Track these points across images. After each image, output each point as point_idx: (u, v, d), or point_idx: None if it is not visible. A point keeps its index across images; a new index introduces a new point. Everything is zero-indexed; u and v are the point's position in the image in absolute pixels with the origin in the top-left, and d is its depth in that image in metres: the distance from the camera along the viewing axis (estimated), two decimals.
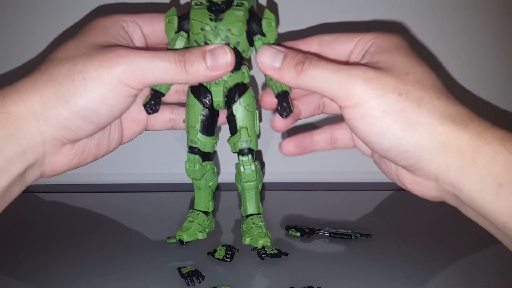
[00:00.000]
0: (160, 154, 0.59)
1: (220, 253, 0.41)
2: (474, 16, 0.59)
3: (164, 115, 0.37)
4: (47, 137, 0.28)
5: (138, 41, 0.33)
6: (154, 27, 0.32)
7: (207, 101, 0.33)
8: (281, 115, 0.31)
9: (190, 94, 0.34)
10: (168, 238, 0.45)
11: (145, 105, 0.32)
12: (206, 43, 0.31)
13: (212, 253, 0.41)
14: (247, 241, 0.38)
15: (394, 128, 0.26)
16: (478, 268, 0.41)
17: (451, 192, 0.28)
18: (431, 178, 0.28)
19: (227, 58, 0.29)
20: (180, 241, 0.44)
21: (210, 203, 0.39)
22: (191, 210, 0.39)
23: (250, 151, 0.35)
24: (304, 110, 0.35)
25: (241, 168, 0.35)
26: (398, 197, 0.56)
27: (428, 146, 0.26)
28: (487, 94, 0.60)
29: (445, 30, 0.59)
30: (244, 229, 0.38)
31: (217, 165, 0.42)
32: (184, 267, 0.39)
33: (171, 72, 0.28)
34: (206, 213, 0.39)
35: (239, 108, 0.33)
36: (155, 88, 0.33)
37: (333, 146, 0.37)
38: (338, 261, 0.42)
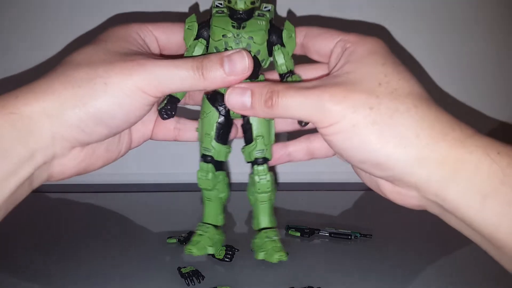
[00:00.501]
0: (160, 154, 0.59)
1: (220, 253, 0.41)
2: (474, 16, 0.59)
3: (169, 124, 0.36)
4: (58, 138, 0.27)
5: (155, 50, 0.33)
6: (169, 38, 0.33)
7: (223, 108, 0.33)
8: (302, 125, 0.32)
9: (206, 101, 0.34)
10: (168, 238, 0.45)
11: (160, 110, 0.32)
12: (226, 50, 0.31)
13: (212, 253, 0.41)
14: (260, 256, 0.35)
15: (366, 141, 0.26)
16: (478, 268, 0.41)
17: (433, 201, 0.27)
18: (412, 188, 0.27)
19: (245, 63, 0.29)
20: (180, 241, 0.44)
21: (220, 217, 0.37)
22: (199, 223, 0.36)
23: (265, 160, 0.34)
24: (283, 124, 0.36)
25: (256, 178, 0.34)
26: None
27: (403, 159, 0.25)
28: (476, 99, 0.60)
29: (445, 30, 0.59)
30: (257, 244, 0.35)
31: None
32: (184, 267, 0.39)
33: (189, 79, 0.28)
34: (215, 226, 0.37)
35: (255, 117, 0.33)
36: (171, 94, 0.32)
37: (312, 156, 0.36)
38: (338, 261, 0.42)
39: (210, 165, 0.34)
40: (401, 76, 0.27)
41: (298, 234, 0.46)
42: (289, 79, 0.32)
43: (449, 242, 0.45)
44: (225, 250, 0.41)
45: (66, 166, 0.29)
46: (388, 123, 0.25)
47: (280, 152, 0.35)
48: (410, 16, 0.58)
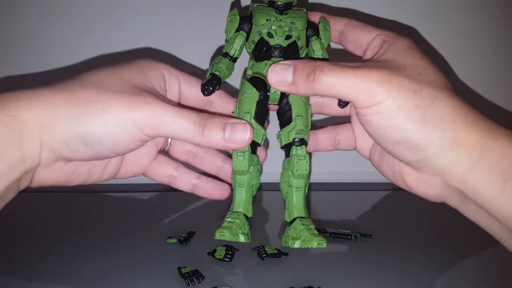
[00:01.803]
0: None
1: (220, 253, 0.41)
2: (475, 16, 0.59)
3: (166, 170, 0.36)
4: (45, 147, 0.28)
5: (173, 96, 0.33)
6: (191, 89, 0.33)
7: (263, 91, 0.33)
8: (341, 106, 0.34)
9: (246, 82, 0.33)
10: (168, 238, 0.45)
11: (203, 85, 0.32)
12: (269, 34, 0.32)
13: (212, 253, 0.41)
14: (296, 244, 0.33)
15: (407, 122, 0.27)
16: (478, 268, 0.41)
17: (456, 188, 0.28)
18: (438, 174, 0.28)
19: (246, 136, 0.29)
20: (180, 241, 0.44)
21: (250, 207, 0.35)
22: (229, 212, 0.34)
23: (303, 142, 0.33)
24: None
25: (295, 159, 0.32)
26: (398, 197, 0.56)
27: (439, 142, 0.27)
28: (491, 96, 0.61)
29: (444, 30, 0.59)
30: (290, 234, 0.33)
31: None
32: (184, 267, 0.39)
33: (189, 131, 0.29)
34: (246, 216, 0.35)
35: (295, 98, 0.33)
36: (215, 73, 0.32)
37: (336, 147, 0.37)
38: (338, 261, 0.42)
39: (247, 146, 0.32)
40: (437, 72, 0.29)
41: None
42: None
43: (449, 242, 0.45)
44: (225, 250, 0.41)
45: (46, 176, 0.30)
46: (430, 107, 0.27)
47: (310, 139, 0.35)
48: (409, 17, 0.58)
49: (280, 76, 0.29)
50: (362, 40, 0.33)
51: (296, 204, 0.33)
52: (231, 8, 0.34)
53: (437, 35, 0.59)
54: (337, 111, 0.36)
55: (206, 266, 0.40)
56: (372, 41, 0.32)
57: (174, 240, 0.44)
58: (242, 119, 0.32)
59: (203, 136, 0.29)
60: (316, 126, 0.38)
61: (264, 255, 0.41)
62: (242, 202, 0.34)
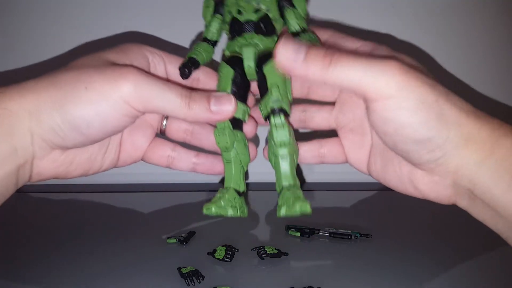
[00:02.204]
0: None
1: (220, 253, 0.41)
2: (475, 16, 0.59)
3: (163, 150, 0.35)
4: (36, 138, 0.27)
5: (160, 75, 0.33)
6: (177, 68, 0.33)
7: (238, 69, 0.32)
8: None
9: (222, 62, 0.33)
10: (168, 238, 0.45)
11: (180, 68, 0.32)
12: (239, 11, 0.32)
13: (212, 253, 0.41)
14: (282, 211, 0.30)
15: (429, 118, 0.26)
16: (478, 268, 0.41)
17: (466, 188, 0.28)
18: (450, 173, 0.28)
19: (230, 107, 0.30)
20: (180, 241, 0.44)
21: (242, 183, 0.33)
22: (220, 189, 0.33)
23: (282, 111, 0.31)
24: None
25: (273, 128, 0.31)
26: (398, 197, 0.56)
27: (456, 139, 0.26)
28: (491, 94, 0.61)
29: (444, 30, 0.59)
30: (279, 203, 0.31)
31: None
32: (184, 267, 0.39)
33: (175, 104, 0.28)
34: (237, 192, 0.33)
35: (270, 69, 0.31)
36: (193, 56, 0.33)
37: (321, 160, 0.35)
38: (338, 261, 0.42)
39: (227, 122, 0.32)
40: (435, 77, 0.28)
41: (298, 234, 0.46)
42: (303, 36, 0.32)
43: (448, 242, 0.45)
44: (225, 250, 0.41)
45: (44, 168, 0.29)
46: (447, 101, 0.26)
47: None
48: (409, 17, 0.58)
49: (292, 52, 0.26)
50: (349, 47, 0.31)
51: (283, 172, 0.31)
52: None
53: (437, 35, 0.59)
54: (324, 94, 0.35)
55: (206, 266, 0.40)
56: (360, 49, 0.31)
57: (174, 240, 0.44)
58: None
59: (189, 108, 0.29)
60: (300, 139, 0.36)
61: (264, 255, 0.41)
62: (232, 177, 0.33)
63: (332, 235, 0.46)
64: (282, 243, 0.45)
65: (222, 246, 0.42)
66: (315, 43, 0.31)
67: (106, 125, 0.28)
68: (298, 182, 0.32)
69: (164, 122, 0.35)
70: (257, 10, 0.32)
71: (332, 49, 0.26)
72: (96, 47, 0.31)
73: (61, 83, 0.27)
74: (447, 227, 0.47)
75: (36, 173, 0.29)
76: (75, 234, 0.47)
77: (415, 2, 0.58)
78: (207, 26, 0.34)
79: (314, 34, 0.33)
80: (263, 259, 0.41)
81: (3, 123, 0.26)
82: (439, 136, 0.26)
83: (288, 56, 0.27)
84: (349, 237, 0.45)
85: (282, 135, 0.31)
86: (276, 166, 0.32)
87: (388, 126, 0.27)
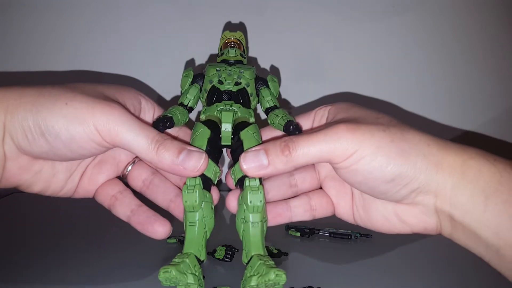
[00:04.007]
0: None
1: (220, 253, 0.41)
2: (476, 16, 0.59)
3: (112, 189, 0.34)
4: (6, 135, 0.28)
5: (148, 121, 0.34)
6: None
7: (213, 131, 0.33)
8: (294, 132, 0.32)
9: (199, 123, 0.33)
10: (168, 238, 0.45)
11: (154, 122, 0.32)
12: (220, 81, 0.34)
13: (212, 253, 0.42)
14: (253, 281, 0.28)
15: (391, 157, 0.28)
16: (478, 268, 0.41)
17: (447, 214, 0.28)
18: (431, 200, 0.29)
19: (199, 163, 0.29)
20: (180, 241, 0.44)
21: (203, 251, 0.31)
22: (178, 254, 0.31)
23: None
24: (275, 190, 0.35)
25: (248, 190, 0.30)
26: None
27: (425, 167, 0.28)
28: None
29: (445, 30, 0.60)
30: (248, 273, 0.29)
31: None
32: None
33: (144, 145, 0.29)
34: (198, 260, 0.31)
35: (246, 134, 0.32)
36: (168, 115, 0.33)
37: (313, 215, 0.35)
38: (338, 261, 0.42)
39: (198, 179, 0.31)
40: (387, 116, 0.30)
41: (298, 234, 0.46)
42: (275, 112, 0.34)
43: (448, 242, 0.45)
44: (225, 250, 0.41)
45: (12, 172, 0.30)
46: (402, 139, 0.28)
47: (282, 207, 0.34)
48: (409, 17, 0.58)
49: (254, 161, 0.29)
50: (305, 121, 0.34)
51: (252, 241, 0.30)
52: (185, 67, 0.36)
53: (437, 35, 0.59)
54: (311, 186, 0.35)
55: (206, 266, 0.40)
56: (315, 116, 0.33)
57: (174, 240, 0.44)
58: None
59: (157, 153, 0.29)
60: None
61: None
62: (193, 242, 0.31)
63: (332, 235, 0.46)
64: (282, 243, 0.45)
65: (222, 246, 0.42)
66: (289, 117, 0.33)
67: (72, 143, 0.29)
68: (265, 251, 0.30)
69: (129, 168, 0.35)
70: (237, 83, 0.34)
71: (286, 138, 0.29)
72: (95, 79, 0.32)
73: (47, 94, 0.28)
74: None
75: (6, 177, 0.29)
76: (75, 234, 0.47)
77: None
78: (184, 93, 0.35)
79: (283, 110, 0.35)
80: None
81: None
82: (408, 169, 0.28)
83: (253, 167, 0.29)
84: (349, 237, 0.45)
85: (257, 199, 0.30)
86: (245, 233, 0.31)
87: (357, 176, 0.29)
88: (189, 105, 0.35)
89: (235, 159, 0.32)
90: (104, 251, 0.43)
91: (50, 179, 0.32)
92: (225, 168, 0.50)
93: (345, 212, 0.34)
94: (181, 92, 0.36)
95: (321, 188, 0.35)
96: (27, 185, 0.31)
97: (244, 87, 0.35)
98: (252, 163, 0.29)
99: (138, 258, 0.42)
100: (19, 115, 0.28)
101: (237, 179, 0.32)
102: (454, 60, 0.61)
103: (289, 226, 0.47)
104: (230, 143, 0.33)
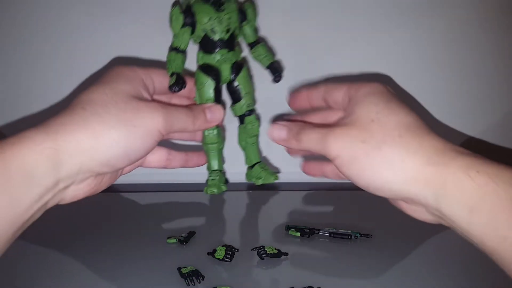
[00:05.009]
0: None
1: (220, 253, 0.41)
2: (476, 17, 0.59)
3: (161, 155, 0.40)
4: (84, 170, 0.31)
5: (151, 90, 0.37)
6: (162, 82, 0.38)
7: (215, 77, 0.39)
8: (276, 81, 0.41)
9: (201, 73, 0.39)
10: (168, 238, 0.45)
11: (171, 87, 0.37)
12: (212, 30, 0.38)
13: (212, 253, 0.42)
14: (260, 181, 0.42)
15: (364, 169, 0.30)
16: (478, 268, 0.41)
17: (438, 216, 0.30)
18: (422, 205, 0.30)
19: (221, 114, 0.38)
20: (180, 241, 0.44)
21: (221, 163, 0.43)
22: (210, 171, 0.42)
23: (253, 111, 0.42)
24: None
25: (248, 126, 0.41)
26: None
27: (394, 181, 0.29)
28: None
29: (446, 29, 0.60)
30: (254, 175, 0.42)
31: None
32: (184, 267, 0.39)
33: (188, 123, 0.36)
34: (220, 171, 0.42)
35: (241, 79, 0.40)
36: (177, 72, 0.38)
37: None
38: (338, 261, 0.42)
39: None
40: (390, 111, 0.31)
41: (298, 234, 0.46)
42: (257, 51, 0.41)
43: (448, 242, 0.45)
44: (225, 250, 0.41)
45: (80, 191, 0.33)
46: (378, 153, 0.30)
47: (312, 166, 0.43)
48: (410, 17, 0.58)
49: (278, 134, 0.36)
50: (337, 99, 0.36)
51: (253, 153, 0.42)
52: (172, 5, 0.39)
53: (436, 34, 0.59)
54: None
55: (206, 266, 0.40)
56: (343, 97, 0.35)
57: (174, 240, 0.45)
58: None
59: (194, 123, 0.36)
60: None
61: (264, 255, 0.41)
62: (216, 162, 0.42)
63: (332, 235, 0.46)
64: (282, 243, 0.45)
65: (222, 246, 0.42)
66: (270, 58, 0.41)
67: (147, 151, 0.34)
68: (260, 158, 0.43)
69: None
70: (228, 30, 0.39)
71: (302, 126, 0.35)
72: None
73: (111, 122, 0.31)
74: (446, 228, 0.47)
75: (72, 196, 0.33)
76: (75, 234, 0.47)
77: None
78: (178, 37, 0.39)
79: (264, 42, 0.42)
80: (263, 259, 0.41)
81: (53, 160, 0.29)
82: (377, 182, 0.30)
83: (278, 137, 0.37)
84: (349, 237, 0.45)
85: (255, 129, 0.42)
86: (247, 149, 0.42)
87: (349, 176, 0.32)
88: (184, 48, 0.39)
89: (234, 98, 0.41)
90: (104, 251, 0.43)
91: (108, 180, 0.35)
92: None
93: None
94: (174, 35, 0.39)
95: None
96: (94, 193, 0.35)
97: (232, 32, 0.39)
98: (276, 133, 0.36)
99: (138, 257, 0.42)
100: (100, 153, 0.31)
101: (238, 114, 0.41)
102: (454, 64, 0.61)
103: (289, 226, 0.47)
104: (229, 81, 0.41)
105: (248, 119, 0.41)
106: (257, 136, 0.42)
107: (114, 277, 0.39)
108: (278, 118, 0.56)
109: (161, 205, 0.56)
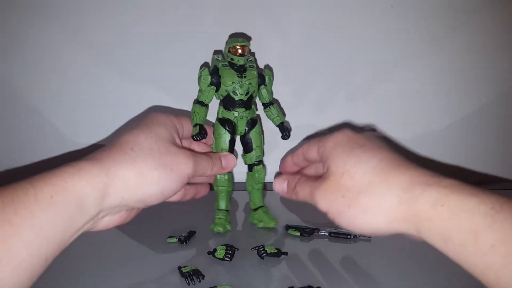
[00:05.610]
0: None
1: (220, 252, 0.41)
2: (477, 17, 0.59)
3: (180, 191, 0.42)
4: (123, 205, 0.34)
5: (181, 135, 0.42)
6: (189, 129, 0.44)
7: (230, 130, 0.47)
8: (285, 138, 0.48)
9: (219, 125, 0.47)
10: (168, 237, 0.45)
11: (194, 136, 0.44)
12: (234, 92, 0.46)
13: (212, 253, 0.42)
14: (261, 224, 0.48)
15: (350, 221, 0.32)
16: None
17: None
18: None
19: (234, 162, 0.45)
20: (180, 241, 0.44)
21: (228, 204, 0.50)
22: (217, 210, 0.49)
23: (261, 162, 0.49)
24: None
25: (256, 174, 0.49)
26: None
27: (383, 224, 0.31)
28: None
29: (444, 31, 0.60)
30: (257, 217, 0.49)
31: None
32: (185, 267, 0.39)
33: (208, 168, 0.41)
34: (227, 211, 0.50)
35: (253, 134, 0.48)
36: (200, 123, 0.45)
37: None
38: (338, 261, 0.42)
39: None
40: (356, 159, 0.33)
41: (298, 233, 0.46)
42: (270, 110, 0.49)
43: None
44: (225, 250, 0.41)
45: (112, 222, 0.36)
46: (359, 205, 0.32)
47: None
48: (409, 17, 0.58)
49: (280, 188, 0.40)
50: (313, 157, 0.39)
51: (257, 198, 0.50)
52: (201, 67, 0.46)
53: (436, 34, 0.60)
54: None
55: (206, 265, 0.40)
56: (317, 156, 0.38)
57: (174, 240, 0.45)
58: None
59: (212, 169, 0.42)
60: None
61: (264, 254, 0.41)
62: (224, 202, 0.50)
63: (332, 234, 0.46)
64: (282, 242, 0.45)
65: (222, 245, 0.42)
66: (281, 118, 0.49)
67: (177, 189, 0.37)
68: (263, 203, 0.51)
69: None
70: (247, 93, 0.46)
71: (299, 179, 0.38)
72: None
73: (154, 165, 0.35)
74: None
75: (104, 225, 0.35)
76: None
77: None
78: (203, 92, 0.46)
79: (276, 104, 0.49)
80: (263, 258, 0.41)
81: (102, 192, 0.32)
82: (363, 228, 0.32)
83: (280, 190, 0.40)
84: (349, 236, 0.45)
85: (262, 177, 0.49)
86: (253, 194, 0.50)
87: (343, 226, 0.33)
88: (208, 103, 0.47)
89: (245, 149, 0.49)
90: (104, 251, 0.43)
91: (137, 210, 0.38)
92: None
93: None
94: (200, 90, 0.46)
95: None
96: (124, 222, 0.37)
97: (251, 94, 0.47)
98: (279, 186, 0.40)
99: (138, 257, 0.42)
100: (141, 192, 0.34)
101: (248, 163, 0.49)
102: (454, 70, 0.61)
103: (289, 226, 0.47)
104: (243, 134, 0.48)
105: (256, 168, 0.49)
106: (262, 183, 0.50)
107: (114, 276, 0.39)
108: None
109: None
